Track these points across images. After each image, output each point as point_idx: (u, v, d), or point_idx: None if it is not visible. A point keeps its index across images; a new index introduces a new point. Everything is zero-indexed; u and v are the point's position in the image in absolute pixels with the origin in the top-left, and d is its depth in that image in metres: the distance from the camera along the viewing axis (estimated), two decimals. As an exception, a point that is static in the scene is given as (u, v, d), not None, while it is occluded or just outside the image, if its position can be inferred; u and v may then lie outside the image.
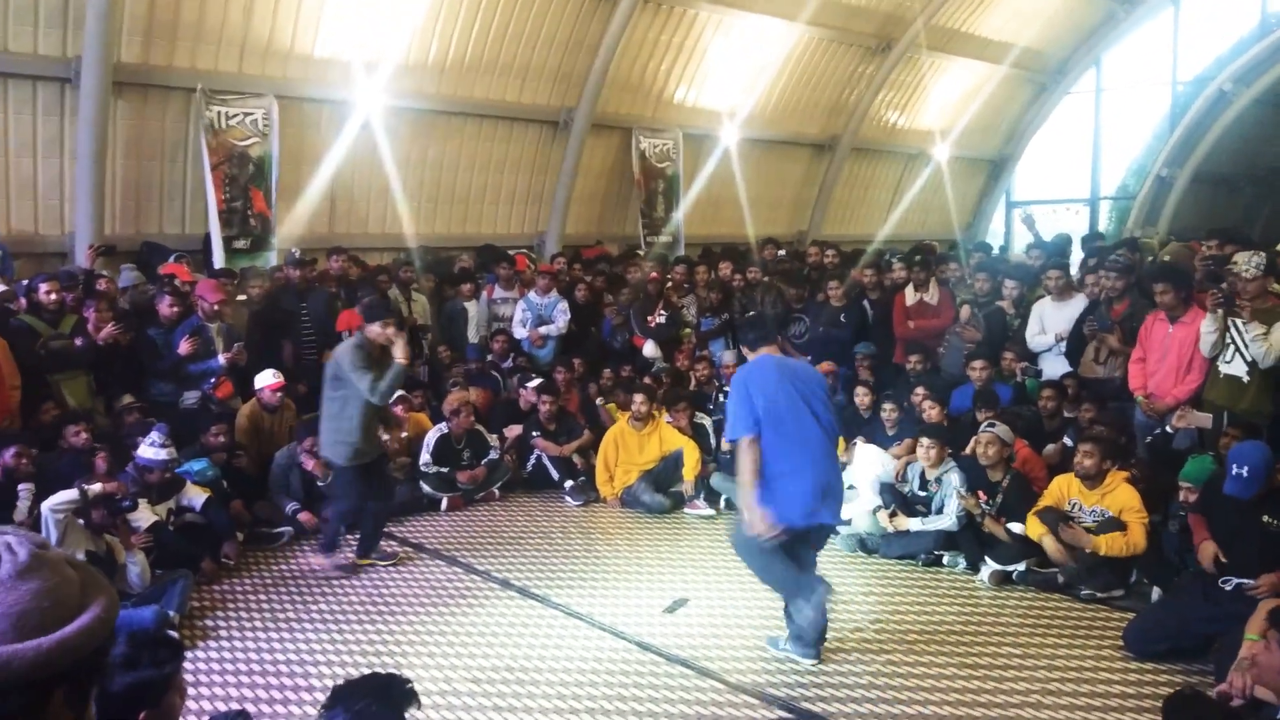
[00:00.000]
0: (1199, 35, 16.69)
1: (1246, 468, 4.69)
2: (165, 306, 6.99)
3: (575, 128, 11.40)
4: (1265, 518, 4.64)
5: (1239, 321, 6.10)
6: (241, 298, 8.07)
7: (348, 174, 9.99)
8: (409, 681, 2.83)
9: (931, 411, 6.86)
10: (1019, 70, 16.33)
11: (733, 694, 4.58)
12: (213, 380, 7.10)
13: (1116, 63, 17.47)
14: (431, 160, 10.69)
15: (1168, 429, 6.40)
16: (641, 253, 11.94)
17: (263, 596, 5.75)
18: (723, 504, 7.47)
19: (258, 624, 5.34)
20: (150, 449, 5.69)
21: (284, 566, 6.25)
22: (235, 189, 9.09)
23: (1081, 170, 17.90)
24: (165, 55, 8.59)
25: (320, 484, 6.74)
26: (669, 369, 9.01)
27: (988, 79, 15.95)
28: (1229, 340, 6.16)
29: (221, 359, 6.98)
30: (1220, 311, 6.10)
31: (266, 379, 7.10)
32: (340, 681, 2.81)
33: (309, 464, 6.70)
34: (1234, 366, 6.18)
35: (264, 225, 9.29)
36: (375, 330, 5.86)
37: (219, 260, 8.74)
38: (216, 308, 7.11)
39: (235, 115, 9.00)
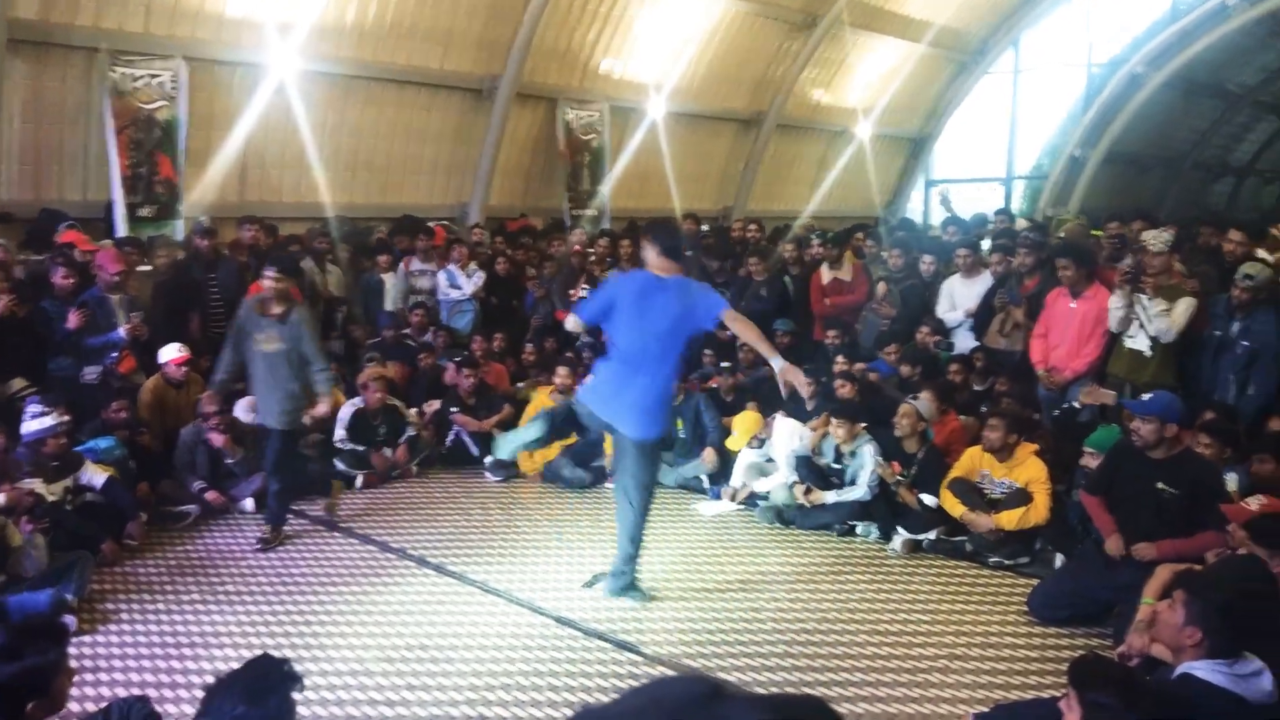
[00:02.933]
0: (1113, 18, 17.10)
1: (1152, 394, 4.95)
2: (59, 277, 6.69)
3: (499, 97, 11.20)
4: (1160, 485, 4.80)
5: (1144, 297, 6.30)
6: (147, 268, 7.77)
7: (260, 140, 9.65)
8: (287, 663, 2.75)
9: (843, 390, 6.95)
10: (939, 49, 16.54)
11: (650, 665, 4.59)
12: (114, 355, 6.83)
13: (1034, 44, 17.80)
14: (349, 127, 10.39)
15: (1074, 404, 6.59)
16: (569, 225, 11.86)
17: (167, 578, 5.57)
18: (644, 478, 7.47)
19: (160, 606, 5.18)
20: (33, 421, 5.43)
21: (189, 547, 6.06)
22: (140, 154, 8.71)
23: (998, 150, 18.28)
24: (66, 13, 8.16)
25: (229, 461, 6.55)
26: (594, 343, 8.92)
27: (909, 57, 16.12)
28: (1134, 315, 6.35)
29: (122, 332, 6.71)
30: (1128, 287, 6.29)
31: (171, 353, 6.85)
32: (215, 678, 2.70)
33: (217, 440, 6.50)
34: (1137, 341, 6.38)
35: (171, 192, 8.93)
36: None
37: (121, 228, 8.39)
38: (117, 278, 6.83)
39: (141, 77, 8.61)
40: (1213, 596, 3.07)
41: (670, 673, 4.47)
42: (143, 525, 6.03)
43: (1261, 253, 7.39)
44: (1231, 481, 5.12)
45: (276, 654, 3.24)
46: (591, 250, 9.79)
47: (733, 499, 6.95)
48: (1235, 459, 5.31)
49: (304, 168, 10.03)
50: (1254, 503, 4.34)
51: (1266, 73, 18.20)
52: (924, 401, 6.27)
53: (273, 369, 5.87)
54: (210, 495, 6.48)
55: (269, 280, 5.90)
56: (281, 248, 8.54)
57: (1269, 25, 15.40)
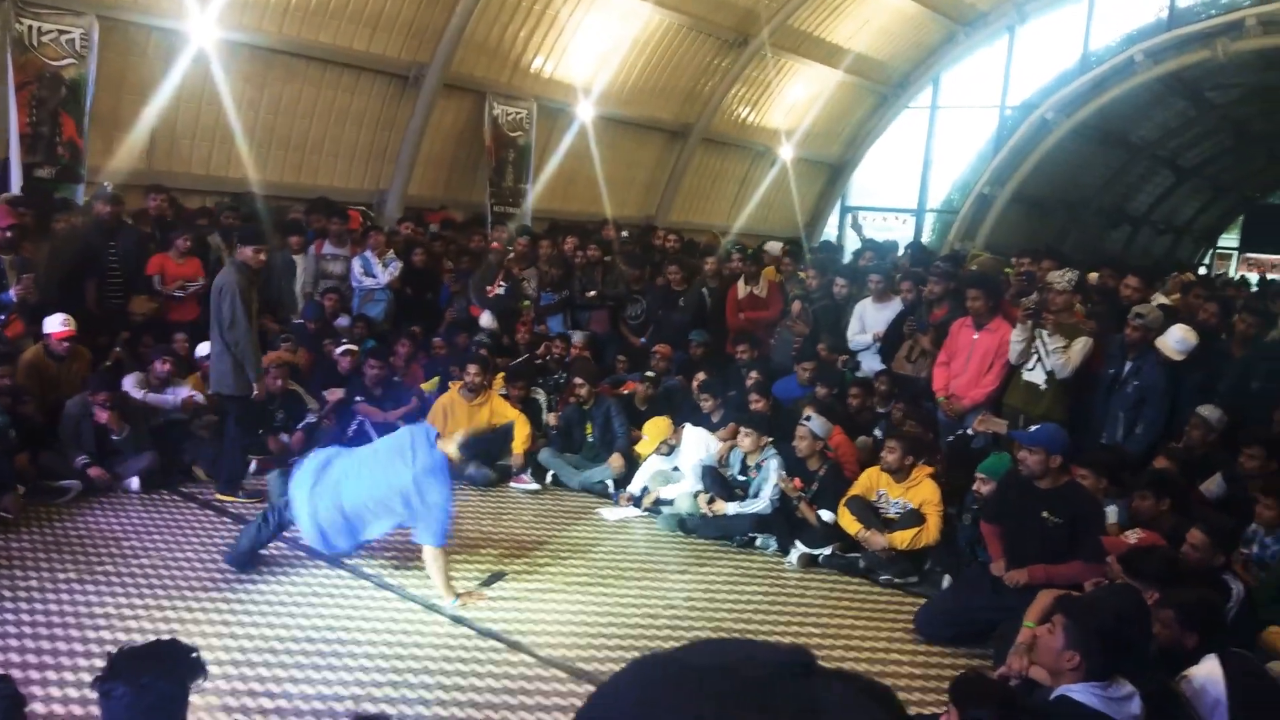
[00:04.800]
0: (1029, 64, 17.79)
1: (1039, 426, 5.17)
2: (-58, 233, 6.33)
3: (426, 85, 11.03)
4: (1045, 514, 4.99)
5: (1044, 333, 6.55)
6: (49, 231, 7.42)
7: (173, 109, 9.30)
8: (195, 650, 2.67)
9: (757, 404, 7.04)
10: (862, 80, 16.96)
11: (543, 668, 4.56)
12: (2, 316, 6.49)
13: (953, 83, 18.42)
14: (267, 103, 10.10)
15: (967, 431, 6.81)
16: (490, 221, 11.74)
17: (42, 554, 5.30)
18: (549, 479, 7.44)
19: (34, 583, 4.92)
20: None
21: (68, 523, 5.78)
22: (43, 113, 8.31)
23: (912, 182, 18.84)
24: (-32, -42, 7.77)
25: (114, 438, 6.28)
26: (498, 342, 8.82)
27: (832, 84, 16.48)
28: (1033, 350, 6.61)
29: (12, 293, 6.38)
30: (1029, 322, 6.53)
31: (54, 325, 6.53)
32: (118, 648, 2.62)
33: (102, 416, 6.22)
34: (1034, 374, 6.63)
35: (74, 154, 8.54)
36: (248, 254, 6.12)
37: (16, 188, 7.97)
38: (9, 234, 6.49)
39: (49, 32, 8.23)
40: (1090, 622, 3.20)
41: (562, 675, 4.46)
42: (19, 498, 5.73)
43: (1158, 297, 7.78)
44: (1112, 514, 5.36)
45: (154, 636, 3.15)
46: (511, 248, 9.70)
47: (631, 502, 6.97)
48: (1117, 494, 5.55)
49: (217, 141, 9.72)
50: (1132, 536, 4.54)
51: (1165, 129, 19.19)
52: (817, 421, 6.39)
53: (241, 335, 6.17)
54: (93, 471, 6.20)
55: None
56: (189, 221, 8.24)
57: (1170, 84, 16.24)
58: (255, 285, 6.37)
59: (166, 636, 4.28)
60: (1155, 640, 3.88)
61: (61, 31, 8.27)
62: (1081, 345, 6.47)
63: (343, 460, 5.21)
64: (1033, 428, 5.33)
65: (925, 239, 18.18)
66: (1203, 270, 21.45)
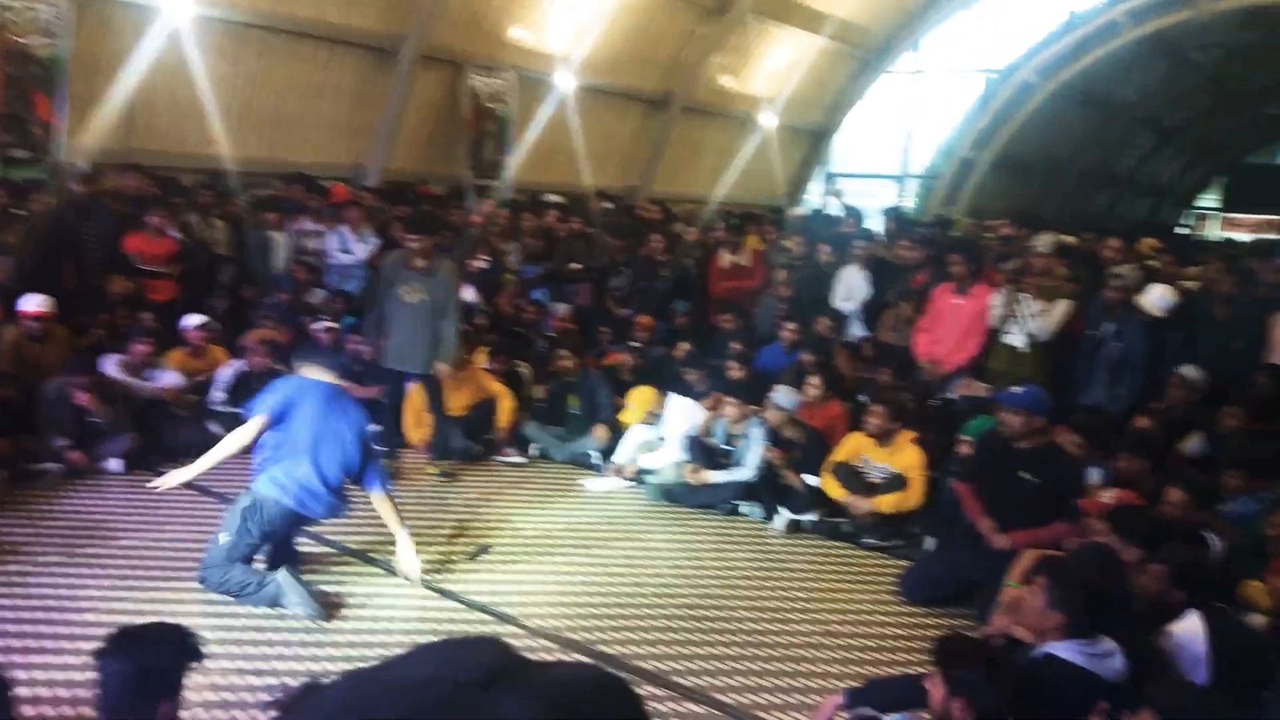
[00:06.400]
0: (1010, 26, 17.71)
1: (1023, 389, 5.21)
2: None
3: (403, 58, 10.89)
4: (1023, 474, 5.03)
5: (1025, 297, 6.58)
6: (23, 212, 7.33)
7: (150, 87, 9.15)
8: (192, 634, 2.71)
9: (734, 373, 7.05)
10: (843, 45, 16.83)
11: (531, 639, 4.58)
12: (-24, 300, 6.43)
13: (933, 46, 18.33)
14: (244, 78, 9.96)
15: (950, 396, 6.84)
16: (474, 195, 11.66)
17: (24, 538, 5.27)
18: (534, 452, 7.44)
19: (14, 567, 4.90)
20: None
21: (50, 506, 5.75)
22: (15, 91, 8.18)
23: (894, 147, 18.78)
24: (-68, -67, 7.61)
25: (95, 420, 6.23)
26: (490, 312, 8.77)
27: (813, 50, 16.35)
28: (1015, 314, 6.63)
29: (-14, 275, 6.31)
30: (1010, 287, 6.56)
31: (29, 304, 6.47)
32: (111, 631, 2.66)
33: (82, 398, 6.17)
34: (1016, 338, 6.67)
35: (49, 134, 8.42)
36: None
37: (-11, 169, 7.87)
38: (-18, 220, 6.41)
39: (19, 9, 8.07)
40: (1072, 582, 3.23)
41: (552, 646, 4.48)
42: (2, 482, 5.69)
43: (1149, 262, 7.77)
44: (1095, 476, 5.39)
45: (140, 619, 3.15)
46: (496, 223, 9.63)
47: (618, 474, 6.98)
48: (1101, 456, 5.59)
49: (195, 118, 9.59)
50: (1107, 496, 4.58)
51: (1148, 91, 19.16)
52: (781, 393, 6.40)
53: (416, 319, 6.50)
54: (74, 455, 6.16)
55: (411, 242, 6.58)
56: (164, 200, 8.14)
57: (1152, 45, 16.20)
58: None
59: (159, 618, 4.31)
60: (1140, 596, 3.93)
61: (30, 8, 8.12)
62: (1063, 308, 6.51)
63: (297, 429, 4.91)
64: (1015, 390, 5.36)
65: (909, 205, 18.15)
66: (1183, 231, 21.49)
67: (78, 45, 8.37)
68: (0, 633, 4.26)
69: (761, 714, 4.06)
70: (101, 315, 7.51)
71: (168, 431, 6.71)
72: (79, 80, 8.51)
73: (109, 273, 7.60)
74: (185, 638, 2.69)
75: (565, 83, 12.85)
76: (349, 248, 8.80)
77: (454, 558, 5.43)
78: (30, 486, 5.98)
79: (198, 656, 2.70)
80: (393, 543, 5.06)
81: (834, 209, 11.35)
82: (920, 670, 3.77)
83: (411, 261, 6.55)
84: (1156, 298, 6.29)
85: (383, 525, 5.70)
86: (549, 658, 4.34)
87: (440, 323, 6.56)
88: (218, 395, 7.01)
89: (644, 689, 4.18)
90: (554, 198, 11.56)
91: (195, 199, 8.51)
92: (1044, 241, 6.73)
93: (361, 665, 3.95)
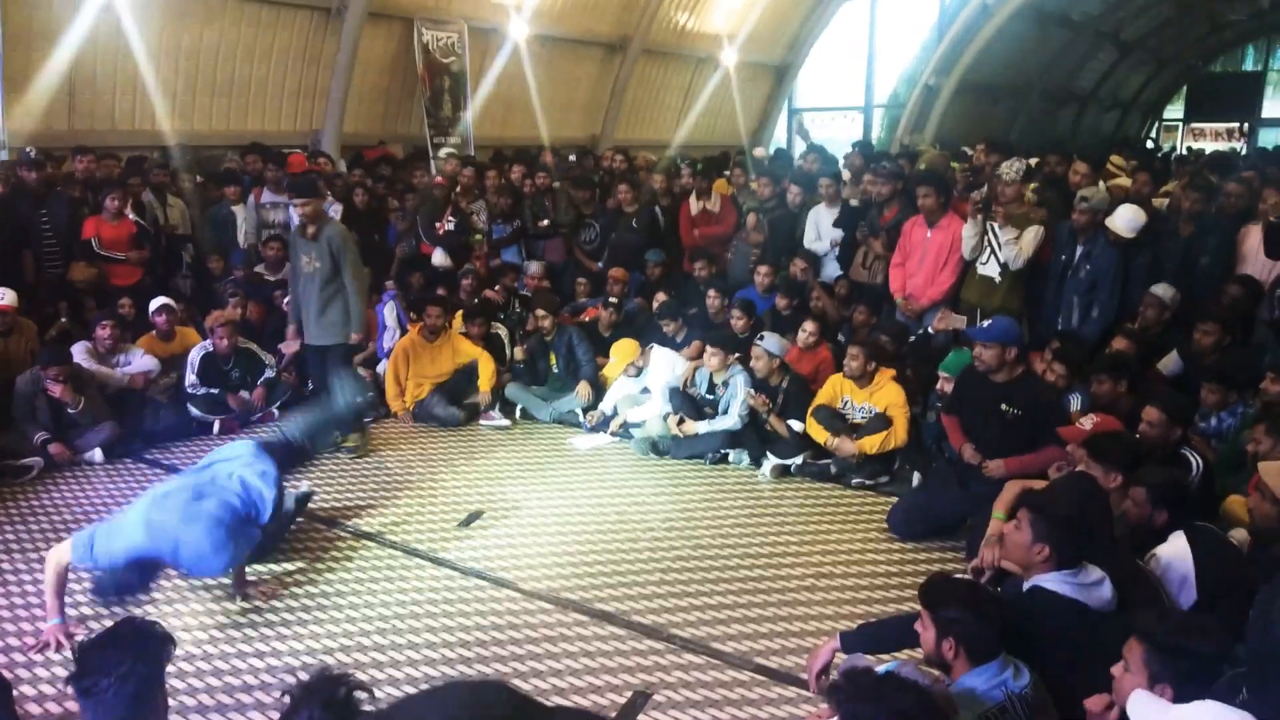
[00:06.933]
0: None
1: (990, 320, 5.26)
2: None
3: (350, 15, 10.59)
4: (1004, 406, 5.08)
5: (994, 225, 6.57)
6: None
7: (89, 62, 8.88)
8: (154, 623, 2.67)
9: (738, 321, 7.04)
10: (800, -25, 16.61)
11: (528, 600, 4.62)
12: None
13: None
14: (187, 48, 9.67)
15: (928, 329, 6.86)
16: (432, 154, 11.47)
17: (11, 534, 5.22)
18: (518, 414, 7.43)
19: (5, 566, 4.86)
20: None
21: (34, 501, 5.69)
22: (-53, 77, 7.91)
23: (857, 79, 18.63)
24: None
25: (70, 411, 6.15)
26: (473, 272, 8.67)
27: (771, -17, 16.12)
28: (986, 243, 6.63)
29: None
30: (980, 216, 6.55)
31: None
32: (92, 632, 2.61)
33: (55, 390, 6.08)
34: (988, 268, 6.68)
35: (-12, 120, 8.17)
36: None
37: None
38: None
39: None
40: (1055, 512, 3.28)
41: (548, 607, 4.52)
42: (-20, 481, 5.64)
43: (1114, 181, 7.74)
44: (1075, 403, 5.45)
45: (135, 610, 3.14)
46: (457, 180, 9.48)
47: (601, 420, 7.00)
48: (1079, 381, 5.65)
49: (140, 92, 9.33)
50: (1087, 422, 4.63)
51: (1107, 3, 19.06)
52: (771, 339, 6.41)
53: (310, 288, 6.48)
54: (53, 448, 6.09)
55: (297, 206, 6.50)
56: (120, 180, 7.95)
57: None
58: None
59: (155, 608, 4.29)
60: (1124, 520, 4.01)
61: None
62: (1033, 234, 6.51)
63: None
64: (985, 323, 5.40)
65: (875, 135, 18.06)
66: (1149, 144, 21.58)
67: (7, 22, 8.07)
68: (-4, 635, 4.24)
69: (760, 660, 4.13)
70: (65, 304, 7.38)
71: (148, 418, 6.65)
72: (13, 60, 8.21)
73: (69, 260, 7.45)
74: (153, 632, 2.64)
75: (518, 31, 12.60)
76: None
77: (446, 525, 5.44)
78: (12, 482, 5.92)
79: (171, 645, 2.67)
80: (388, 513, 5.03)
81: (800, 147, 11.23)
82: (914, 607, 3.84)
83: (304, 230, 6.49)
84: (1126, 219, 6.30)
85: (375, 496, 5.72)
86: (548, 620, 4.40)
87: (334, 292, 6.49)
88: (190, 378, 6.93)
89: (644, 643, 4.24)
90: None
91: (149, 178, 8.30)
92: (1010, 168, 6.70)
93: (361, 650, 4.00)
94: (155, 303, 7.18)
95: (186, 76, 9.75)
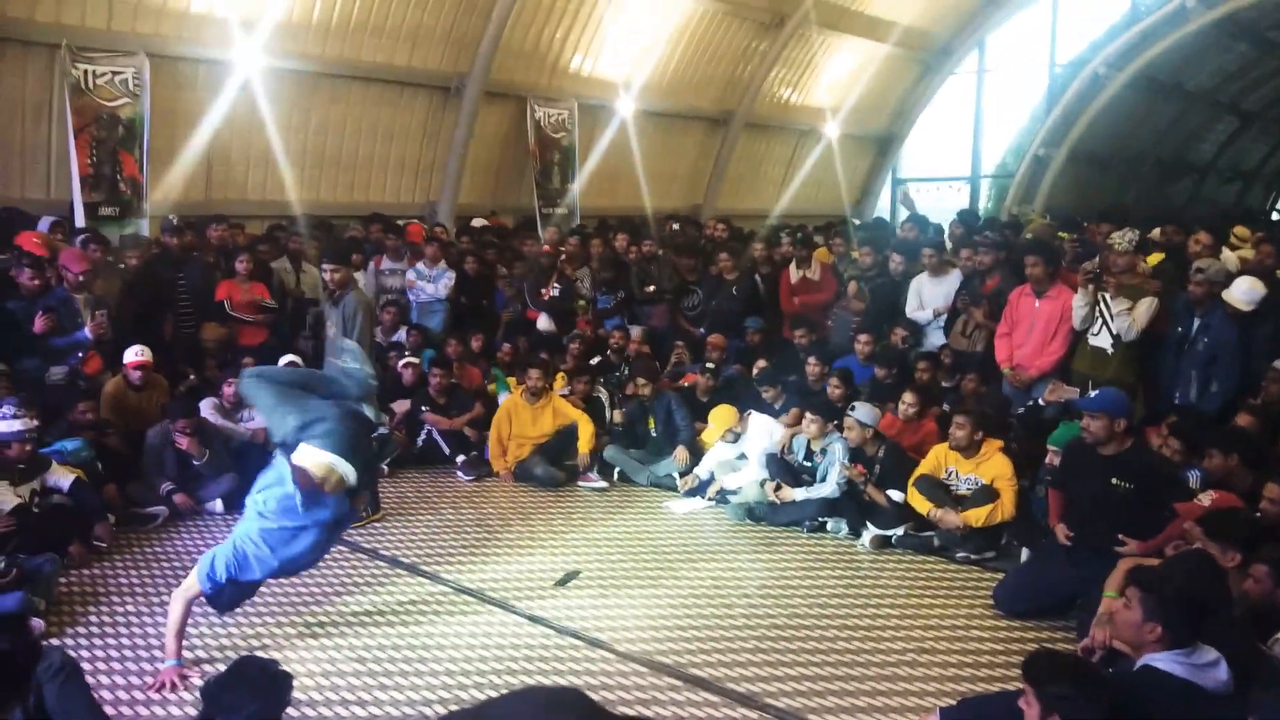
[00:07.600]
0: (1076, 20, 17.38)
1: (1098, 391, 5.15)
2: (25, 279, 6.59)
3: (467, 95, 11.19)
4: (1114, 480, 4.91)
5: (1106, 296, 6.43)
6: (120, 266, 7.71)
7: (226, 137, 9.59)
8: (276, 663, 2.80)
9: (835, 390, 7.00)
10: (905, 50, 16.71)
11: (622, 663, 4.63)
12: (80, 355, 6.76)
13: (998, 45, 18.07)
14: (315, 125, 10.34)
15: (1039, 401, 6.70)
16: (540, 224, 11.86)
17: (136, 580, 5.52)
18: (616, 476, 7.51)
19: (130, 608, 5.14)
20: (1, 424, 5.36)
21: (158, 549, 6.01)
22: (103, 152, 8.63)
23: (963, 149, 18.52)
24: (25, 7, 8.09)
25: (196, 463, 6.50)
26: (581, 337, 8.89)
27: (874, 57, 16.27)
28: (1097, 314, 6.48)
29: (88, 332, 6.64)
30: (1091, 286, 6.42)
31: (129, 355, 6.79)
32: (206, 675, 2.77)
33: (183, 443, 6.44)
34: (1100, 339, 6.52)
35: (135, 191, 8.85)
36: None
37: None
38: (81, 278, 6.75)
39: (103, 74, 8.53)
40: (1166, 591, 3.15)
41: (643, 670, 4.52)
42: (111, 528, 5.97)
43: (1237, 252, 7.50)
44: (1194, 479, 5.23)
45: (251, 654, 3.27)
46: (562, 249, 9.78)
47: (695, 488, 7.01)
48: (1197, 458, 5.41)
49: (270, 165, 9.98)
50: (1205, 499, 4.45)
51: (1224, 75, 18.56)
52: (862, 409, 6.33)
53: (329, 353, 6.67)
54: (178, 498, 6.43)
55: (326, 272, 6.76)
56: (251, 247, 8.48)
57: (1226, 28, 15.71)
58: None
59: (261, 654, 4.46)
60: (1245, 600, 3.81)
61: (115, 73, 8.56)
62: (1147, 306, 6.34)
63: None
64: (1093, 393, 5.25)
65: (982, 205, 17.87)
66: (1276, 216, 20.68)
67: (156, 103, 8.79)
68: (121, 671, 4.47)
69: (858, 734, 4.03)
70: (196, 362, 7.84)
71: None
72: (160, 137, 8.93)
73: (202, 321, 7.93)
74: (277, 673, 2.78)
75: (626, 108, 13.02)
76: (430, 280, 9.00)
77: (543, 584, 5.51)
78: (138, 530, 6.26)
79: (290, 687, 2.80)
80: (487, 571, 5.12)
81: (904, 216, 11.19)
82: (1019, 685, 3.71)
83: (330, 294, 6.77)
84: (1243, 291, 6.07)
85: (475, 554, 5.84)
86: (641, 683, 4.40)
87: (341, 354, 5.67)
88: (306, 433, 7.22)
89: (737, 711, 4.19)
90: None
91: (284, 245, 8.83)
92: (1123, 238, 6.55)
93: (458, 703, 4.08)
94: (282, 361, 7.55)
95: (314, 151, 10.40)
